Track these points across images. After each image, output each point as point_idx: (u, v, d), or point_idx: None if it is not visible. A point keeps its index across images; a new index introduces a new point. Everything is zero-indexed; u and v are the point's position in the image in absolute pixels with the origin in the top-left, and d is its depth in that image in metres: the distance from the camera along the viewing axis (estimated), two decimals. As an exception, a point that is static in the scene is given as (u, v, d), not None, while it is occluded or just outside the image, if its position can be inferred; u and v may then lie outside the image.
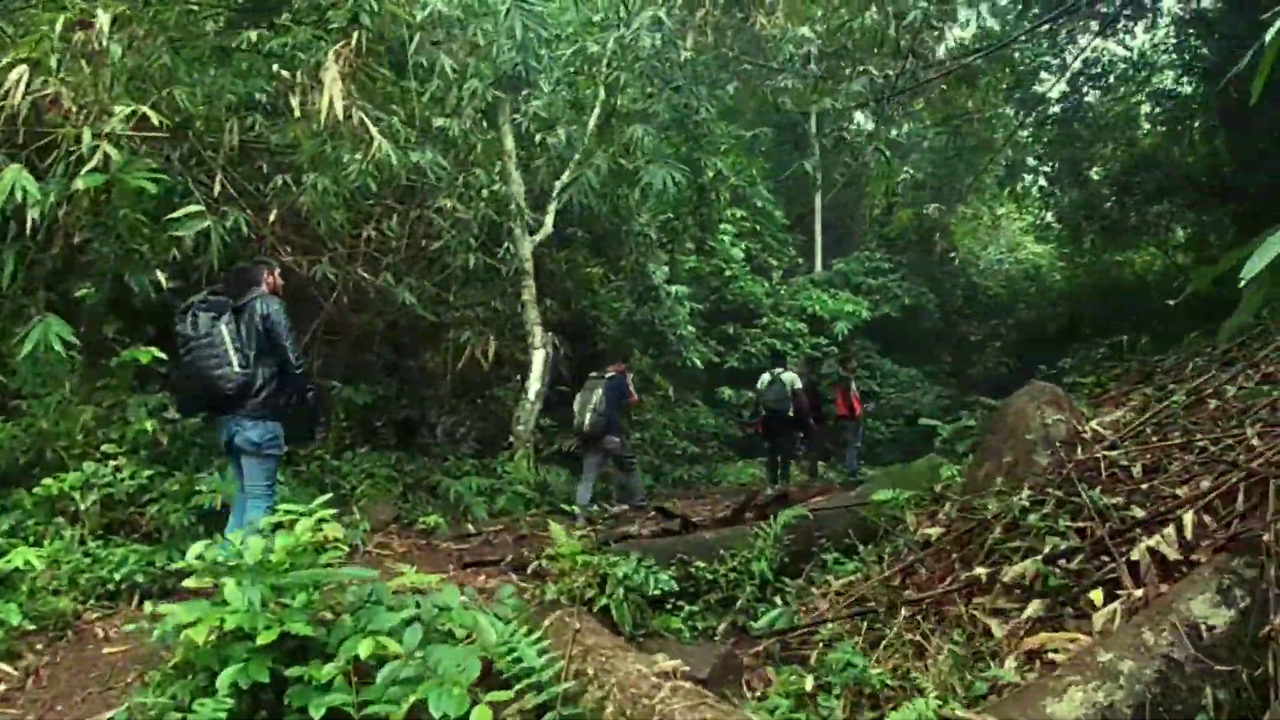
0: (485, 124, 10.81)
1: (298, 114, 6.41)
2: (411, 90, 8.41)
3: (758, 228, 21.66)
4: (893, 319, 24.14)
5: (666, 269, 16.15)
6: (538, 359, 11.64)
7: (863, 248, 25.54)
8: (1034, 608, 5.03)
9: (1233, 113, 19.66)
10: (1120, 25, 20.70)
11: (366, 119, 6.45)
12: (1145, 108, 22.37)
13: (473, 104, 9.59)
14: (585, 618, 4.72)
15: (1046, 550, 5.51)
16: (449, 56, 8.66)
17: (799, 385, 13.73)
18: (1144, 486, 6.04)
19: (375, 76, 7.21)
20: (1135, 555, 5.02)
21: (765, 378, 14.14)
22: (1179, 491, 5.81)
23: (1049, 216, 27.84)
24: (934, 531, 7.20)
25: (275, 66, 6.77)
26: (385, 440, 10.74)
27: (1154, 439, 7.03)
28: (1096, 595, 4.70)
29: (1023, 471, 6.86)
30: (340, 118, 6.14)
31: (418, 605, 3.85)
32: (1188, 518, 5.16)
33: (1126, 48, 21.89)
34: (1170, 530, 5.12)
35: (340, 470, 8.86)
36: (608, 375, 10.87)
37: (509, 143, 11.15)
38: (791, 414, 13.52)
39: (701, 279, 19.01)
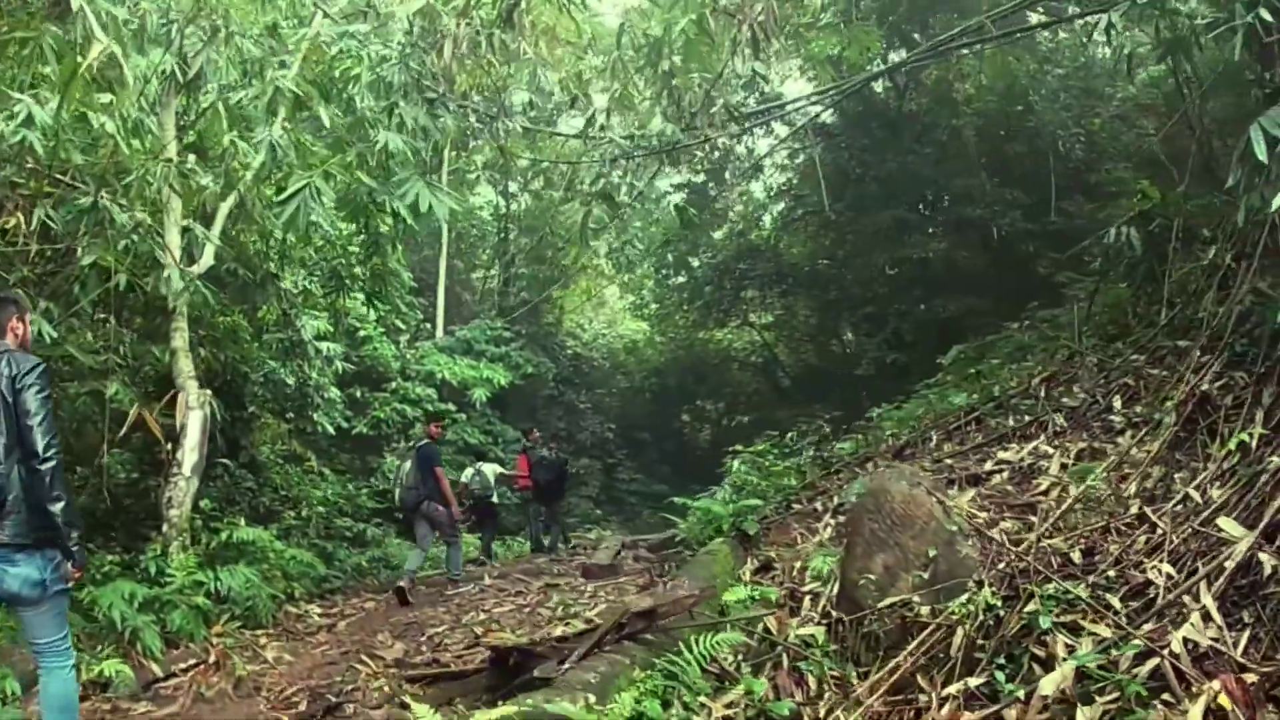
0: (151, 120, 7.81)
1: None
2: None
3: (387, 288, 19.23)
4: (515, 386, 22.64)
5: (319, 323, 13.44)
6: (194, 422, 8.64)
7: (483, 315, 23.89)
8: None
9: (838, 216, 20.85)
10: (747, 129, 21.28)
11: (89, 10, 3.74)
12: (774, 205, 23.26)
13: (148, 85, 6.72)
14: None
15: (1064, 653, 4.32)
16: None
17: (499, 473, 15.52)
18: (1111, 574, 5.08)
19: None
20: (1175, 646, 4.23)
21: (470, 470, 15.28)
22: (1149, 576, 4.88)
23: (648, 295, 28.14)
24: (814, 631, 5.69)
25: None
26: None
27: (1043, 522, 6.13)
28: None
29: (948, 565, 5.58)
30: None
31: None
32: (1209, 602, 4.39)
33: (748, 149, 22.56)
34: (1196, 618, 4.44)
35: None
36: (420, 444, 10.59)
37: (172, 149, 8.17)
38: (494, 500, 15.27)
39: (332, 337, 16.32)
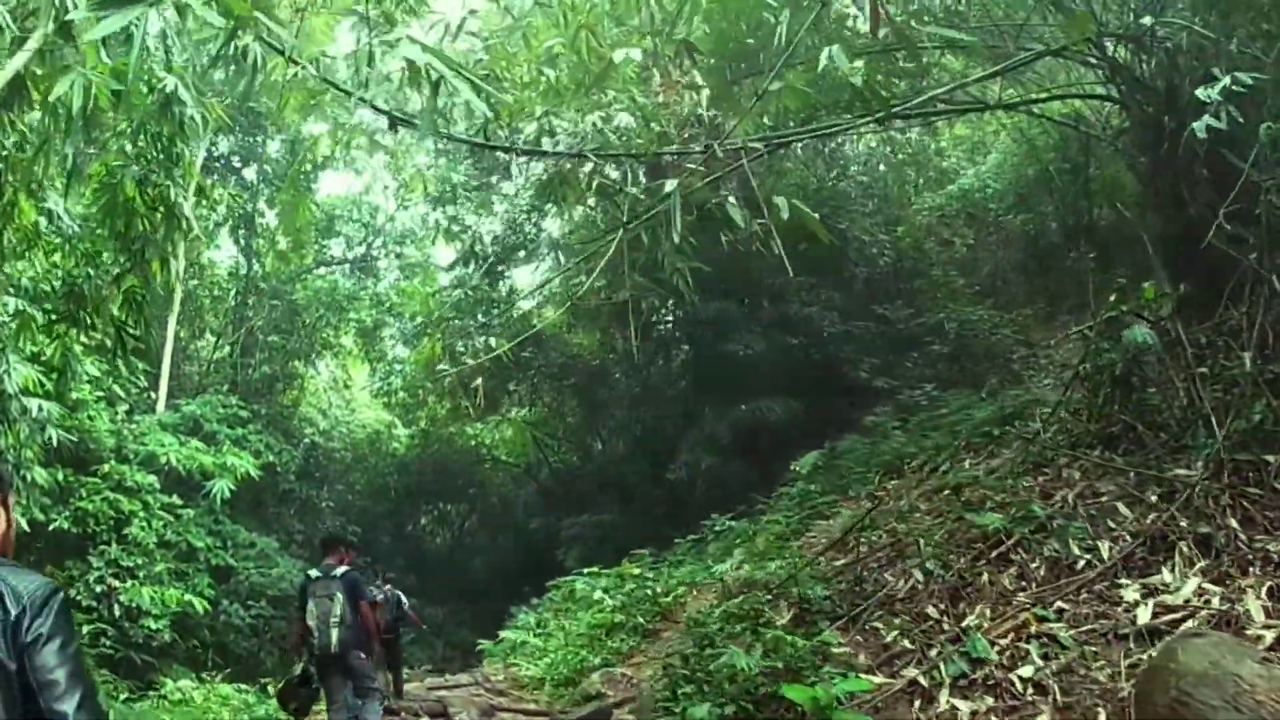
0: None
1: None
2: None
3: (108, 341, 14.19)
4: (250, 477, 17.67)
5: (28, 370, 8.86)
6: None
7: (214, 390, 18.82)
8: None
9: (623, 314, 18.32)
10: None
11: None
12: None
13: None
14: None
15: None
16: None
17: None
18: None
19: None
20: None
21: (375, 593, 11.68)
22: None
23: (397, 381, 24.11)
24: None
25: None
26: None
27: None
28: None
29: None
30: None
31: None
32: None
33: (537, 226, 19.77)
34: None
35: None
36: (338, 573, 7.22)
37: None
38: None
39: (46, 392, 11.29)
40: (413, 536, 26.33)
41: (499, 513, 25.60)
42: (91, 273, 7.78)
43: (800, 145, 17.80)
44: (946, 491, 9.30)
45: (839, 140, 17.56)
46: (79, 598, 12.23)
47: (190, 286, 19.99)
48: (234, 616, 15.73)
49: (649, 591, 9.34)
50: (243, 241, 20.78)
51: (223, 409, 17.84)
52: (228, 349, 20.35)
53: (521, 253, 20.91)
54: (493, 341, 17.99)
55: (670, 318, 18.18)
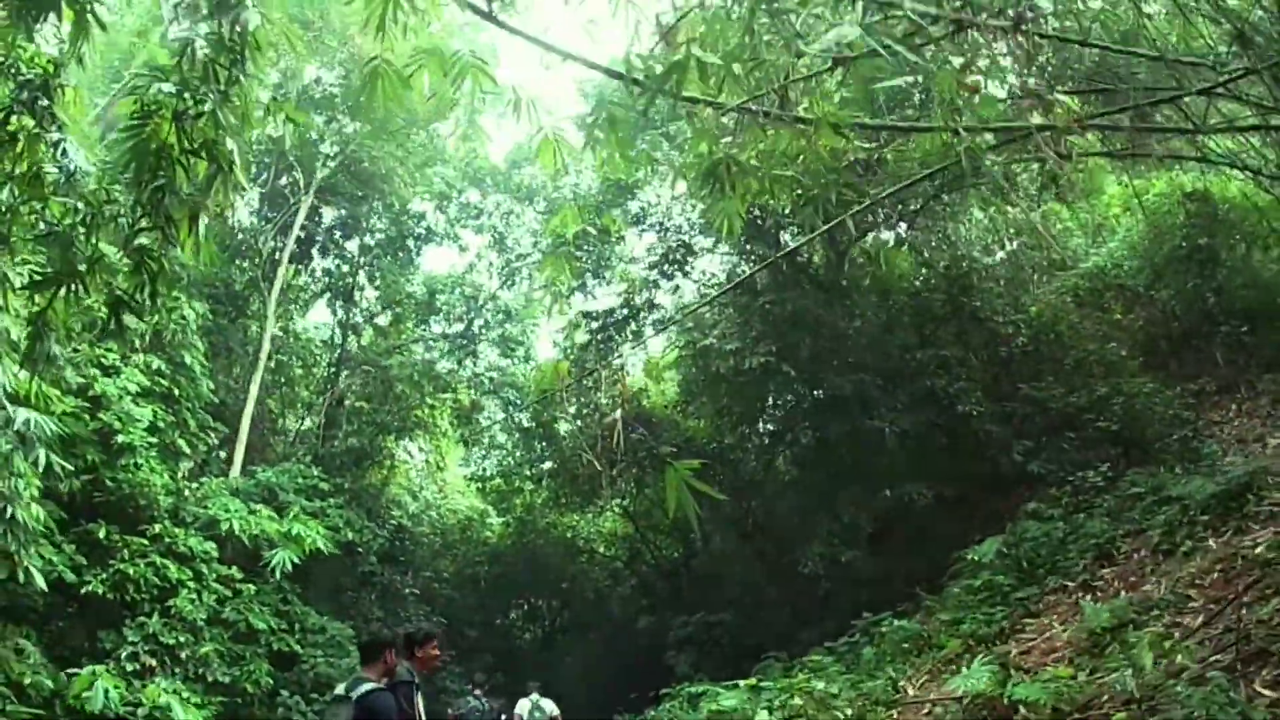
0: None
1: None
2: None
3: (176, 390, 12.41)
4: (323, 555, 15.29)
5: (10, 368, 6.80)
6: None
7: (295, 459, 16.85)
8: None
9: (745, 389, 15.92)
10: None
11: None
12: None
13: None
14: None
15: None
16: None
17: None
18: None
19: None
20: None
21: (525, 702, 11.73)
22: None
23: (492, 467, 22.02)
24: None
25: None
26: None
27: None
28: None
29: None
30: None
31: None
32: None
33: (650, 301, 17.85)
34: None
35: None
36: (357, 692, 4.80)
37: None
38: None
39: (43, 401, 9.15)
40: (501, 631, 23.75)
41: (593, 609, 22.96)
42: (90, 210, 5.57)
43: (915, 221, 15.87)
44: (1216, 572, 6.58)
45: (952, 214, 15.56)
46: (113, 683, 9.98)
47: (284, 358, 18.42)
48: (294, 710, 13.28)
49: (837, 715, 6.52)
50: (340, 313, 19.27)
51: (301, 479, 15.79)
52: (313, 420, 18.54)
53: (632, 326, 18.73)
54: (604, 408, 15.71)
55: (794, 392, 15.66)
